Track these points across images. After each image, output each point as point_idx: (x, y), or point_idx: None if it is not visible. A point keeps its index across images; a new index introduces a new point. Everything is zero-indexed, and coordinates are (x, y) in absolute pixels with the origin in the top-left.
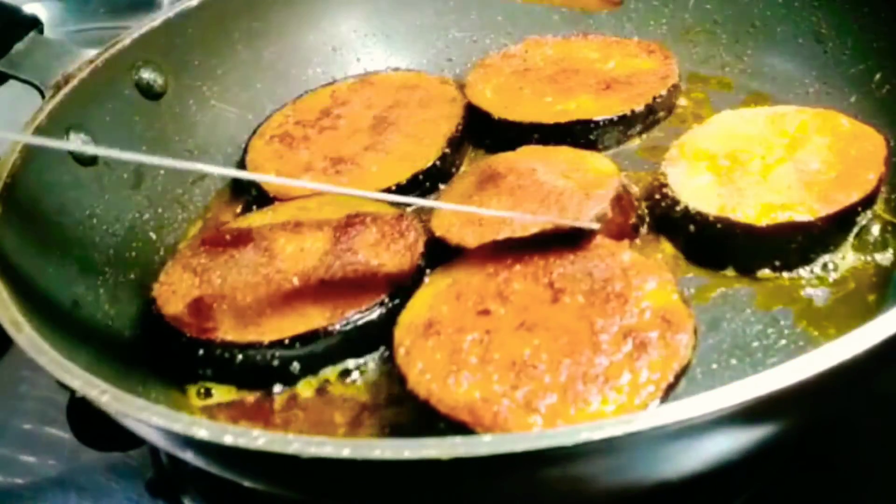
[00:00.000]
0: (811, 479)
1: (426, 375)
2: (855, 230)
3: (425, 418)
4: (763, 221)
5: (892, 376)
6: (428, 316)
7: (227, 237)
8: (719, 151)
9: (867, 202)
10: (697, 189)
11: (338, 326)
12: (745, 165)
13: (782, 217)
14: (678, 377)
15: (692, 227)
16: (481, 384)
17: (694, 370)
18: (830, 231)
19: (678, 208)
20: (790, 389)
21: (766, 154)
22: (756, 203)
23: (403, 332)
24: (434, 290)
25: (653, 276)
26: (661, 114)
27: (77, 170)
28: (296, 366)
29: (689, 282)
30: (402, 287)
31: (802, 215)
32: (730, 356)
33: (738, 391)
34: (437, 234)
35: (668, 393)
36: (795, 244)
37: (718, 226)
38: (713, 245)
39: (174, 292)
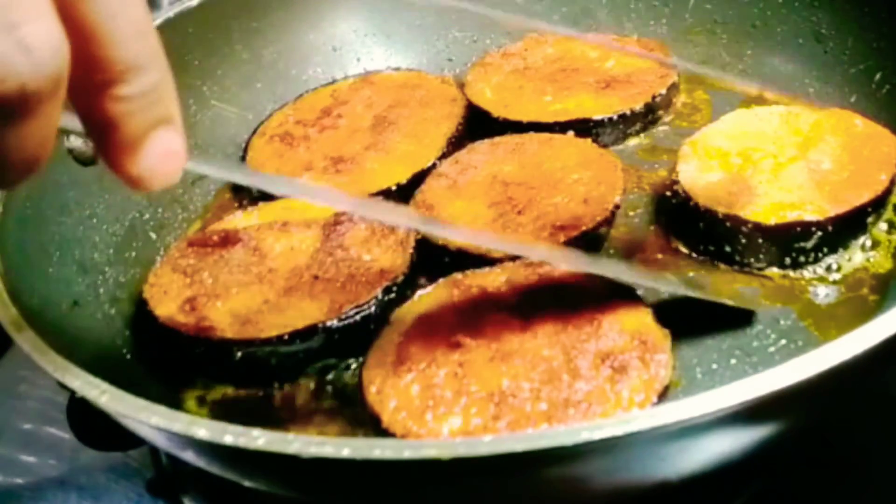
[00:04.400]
0: (811, 479)
1: (401, 413)
2: (864, 230)
3: None
4: (772, 220)
5: (892, 376)
6: (396, 353)
7: (214, 238)
8: (732, 149)
9: (878, 203)
10: (708, 186)
11: (336, 321)
12: (757, 164)
13: (791, 216)
14: (661, 397)
15: (701, 225)
16: (461, 418)
17: (694, 370)
18: (839, 231)
19: (689, 205)
20: (790, 389)
21: (779, 153)
22: (766, 201)
23: (373, 370)
24: (400, 328)
25: (624, 299)
26: (661, 113)
27: (77, 170)
28: (294, 362)
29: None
30: (398, 281)
31: (811, 214)
32: (730, 356)
33: (738, 391)
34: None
35: None
36: (804, 243)
37: (727, 223)
38: (722, 242)
39: (166, 293)
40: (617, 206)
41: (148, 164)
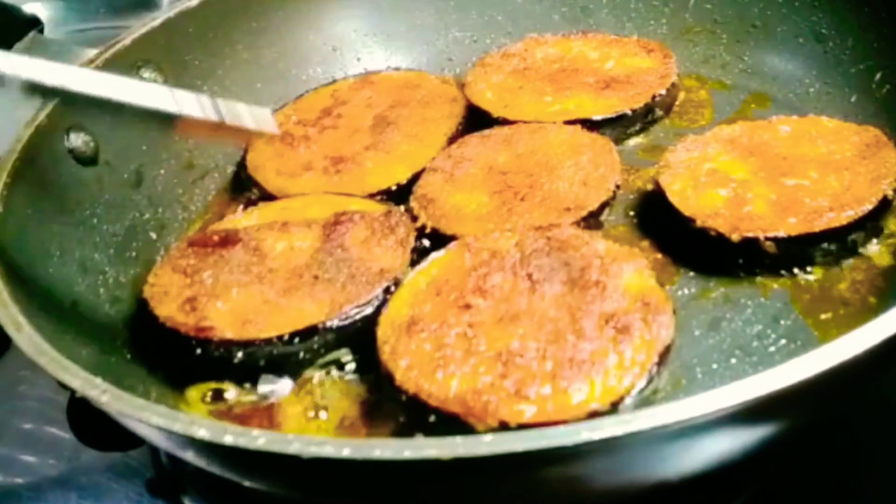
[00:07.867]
0: (811, 479)
1: (413, 371)
2: (859, 234)
3: (415, 412)
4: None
5: (892, 377)
6: (409, 314)
7: (215, 238)
8: (722, 158)
9: (877, 212)
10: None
11: (336, 321)
12: (752, 172)
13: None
14: (662, 357)
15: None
16: (470, 376)
17: (694, 370)
18: (833, 237)
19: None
20: (790, 389)
21: (773, 163)
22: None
23: (387, 330)
24: (413, 289)
25: (628, 262)
26: (661, 113)
27: (77, 170)
28: (294, 362)
29: (689, 282)
30: (397, 281)
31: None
32: (730, 356)
33: (738, 391)
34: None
35: (654, 375)
36: (797, 250)
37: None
38: (717, 249)
39: (166, 293)
40: (618, 186)
41: None
